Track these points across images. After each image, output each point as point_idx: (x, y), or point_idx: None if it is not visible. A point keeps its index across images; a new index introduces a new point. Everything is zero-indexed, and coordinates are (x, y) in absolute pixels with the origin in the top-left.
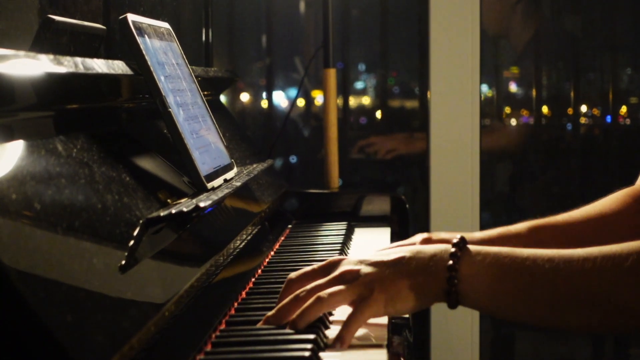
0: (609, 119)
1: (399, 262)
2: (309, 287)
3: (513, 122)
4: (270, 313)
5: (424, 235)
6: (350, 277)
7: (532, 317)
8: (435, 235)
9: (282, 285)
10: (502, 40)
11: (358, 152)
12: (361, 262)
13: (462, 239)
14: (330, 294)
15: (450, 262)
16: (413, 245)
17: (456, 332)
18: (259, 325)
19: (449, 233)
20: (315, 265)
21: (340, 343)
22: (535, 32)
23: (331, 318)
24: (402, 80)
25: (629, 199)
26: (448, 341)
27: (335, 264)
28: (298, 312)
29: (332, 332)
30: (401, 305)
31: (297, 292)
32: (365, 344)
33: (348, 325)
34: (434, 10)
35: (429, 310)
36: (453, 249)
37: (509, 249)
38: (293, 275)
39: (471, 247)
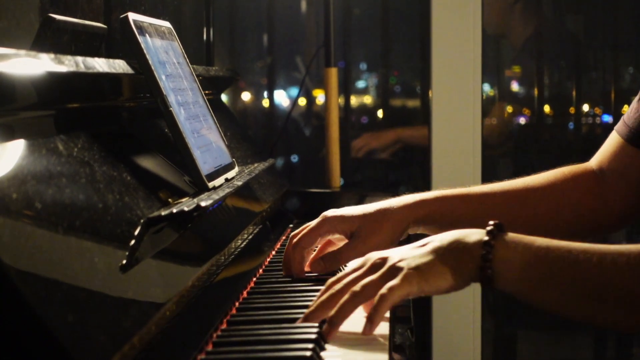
0: (605, 117)
1: (429, 244)
2: (344, 281)
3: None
4: (308, 310)
5: (332, 210)
6: (381, 264)
7: (559, 306)
8: (344, 209)
9: (281, 286)
10: (503, 39)
11: (356, 152)
12: (392, 250)
13: (501, 222)
14: (363, 286)
15: (486, 238)
16: (445, 232)
17: (458, 331)
18: (298, 322)
19: (358, 207)
20: (354, 266)
21: (369, 324)
22: (535, 31)
23: None
24: (404, 79)
25: (568, 175)
26: (450, 341)
27: (369, 259)
28: (335, 308)
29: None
30: (435, 282)
31: (334, 287)
32: (367, 343)
33: (377, 307)
34: (435, 9)
35: (431, 310)
36: (489, 228)
37: (546, 239)
38: (333, 278)
39: (510, 233)
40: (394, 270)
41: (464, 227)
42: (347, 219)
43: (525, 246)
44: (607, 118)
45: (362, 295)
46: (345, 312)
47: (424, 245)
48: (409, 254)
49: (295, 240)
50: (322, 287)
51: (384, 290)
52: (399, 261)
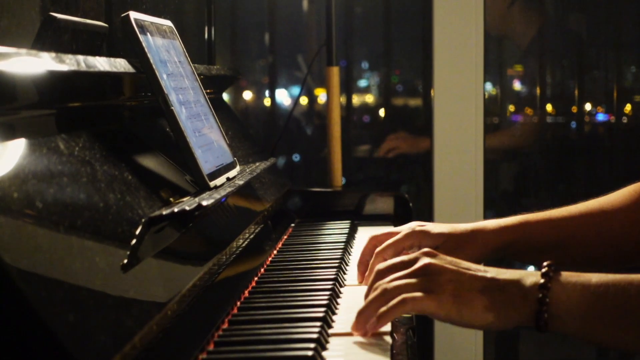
0: (600, 117)
1: (486, 274)
2: (396, 283)
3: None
4: (362, 307)
5: (417, 223)
6: (430, 271)
7: (624, 342)
8: (431, 225)
9: (283, 285)
10: (507, 40)
11: (385, 153)
12: (448, 261)
13: (554, 263)
14: (412, 298)
15: (542, 281)
16: (503, 269)
17: (460, 331)
18: (352, 327)
19: (445, 225)
20: (404, 257)
21: (377, 320)
22: (538, 30)
23: (334, 317)
24: (406, 78)
25: (635, 194)
26: (451, 340)
27: (424, 254)
28: (383, 309)
29: (335, 330)
30: (469, 317)
31: (385, 285)
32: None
33: (393, 307)
34: (437, 8)
35: None
36: (544, 270)
37: (600, 274)
38: (381, 266)
39: (565, 273)
40: (436, 284)
41: (549, 251)
42: (433, 236)
43: (583, 286)
44: (603, 117)
45: (412, 305)
46: (392, 315)
47: (482, 276)
48: (461, 276)
49: (379, 250)
50: (325, 289)
51: (409, 295)
52: (447, 280)
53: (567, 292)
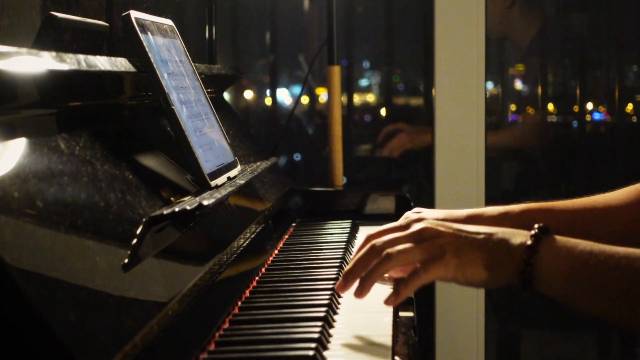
0: (596, 115)
1: (480, 233)
2: (385, 238)
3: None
4: (347, 267)
5: (415, 210)
6: (427, 235)
7: (602, 310)
8: (427, 211)
9: (284, 285)
10: (507, 41)
11: (390, 152)
12: (442, 224)
13: (545, 225)
14: (399, 251)
15: (530, 242)
16: (497, 227)
17: (461, 331)
18: (337, 284)
19: (442, 210)
20: (397, 222)
21: (394, 296)
22: (538, 30)
23: (335, 317)
24: (407, 78)
25: (638, 193)
26: (453, 340)
27: (416, 221)
28: (368, 268)
29: (337, 330)
30: (471, 275)
31: (373, 241)
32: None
33: (408, 281)
34: (439, 7)
35: (434, 309)
36: (535, 231)
37: (588, 242)
38: (372, 231)
39: (556, 236)
40: (437, 248)
41: None
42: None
43: (568, 251)
44: (599, 116)
45: (396, 259)
46: (377, 273)
47: (475, 233)
48: (456, 237)
49: (371, 234)
50: (326, 288)
51: (422, 268)
52: (445, 242)
53: (553, 256)
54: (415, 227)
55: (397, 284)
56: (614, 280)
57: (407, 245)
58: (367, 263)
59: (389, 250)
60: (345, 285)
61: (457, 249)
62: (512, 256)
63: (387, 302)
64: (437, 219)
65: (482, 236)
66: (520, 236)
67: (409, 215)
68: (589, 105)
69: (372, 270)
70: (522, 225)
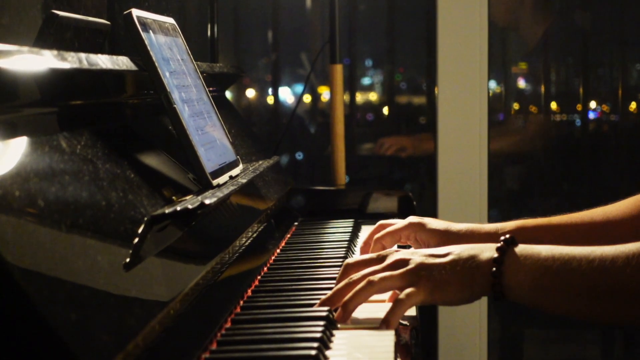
0: (590, 115)
1: (449, 255)
2: (363, 272)
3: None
4: (325, 296)
5: (416, 217)
6: (401, 264)
7: (570, 311)
8: (428, 219)
9: (286, 284)
10: (511, 36)
11: (385, 150)
12: (414, 252)
13: (511, 236)
14: (381, 278)
15: (496, 255)
16: (465, 245)
17: (464, 331)
18: (316, 307)
19: (442, 221)
20: (373, 254)
21: (386, 325)
22: (546, 28)
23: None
24: (410, 76)
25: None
26: (456, 340)
27: (391, 254)
28: (350, 294)
29: (339, 329)
30: (447, 295)
31: (352, 276)
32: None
33: (394, 309)
34: (441, 5)
35: (437, 309)
36: (500, 244)
37: (550, 247)
38: (350, 260)
39: (520, 245)
40: (413, 275)
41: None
42: (428, 230)
43: (532, 259)
44: (593, 115)
45: (378, 286)
46: (359, 299)
47: (444, 255)
48: (429, 262)
49: (377, 236)
50: (328, 288)
51: (402, 296)
52: (419, 268)
53: (518, 265)
54: (390, 259)
55: (386, 315)
56: (575, 281)
57: (387, 273)
58: (346, 292)
59: (371, 277)
60: (328, 305)
61: (429, 273)
62: (482, 271)
63: (380, 329)
64: (416, 251)
65: (451, 257)
66: (488, 250)
67: (411, 219)
68: (593, 104)
69: (356, 296)
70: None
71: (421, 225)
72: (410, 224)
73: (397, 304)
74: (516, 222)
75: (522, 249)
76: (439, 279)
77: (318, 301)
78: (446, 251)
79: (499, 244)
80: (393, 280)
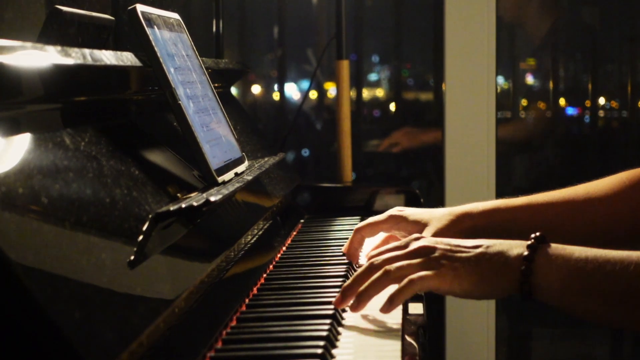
0: (569, 110)
1: (477, 248)
2: (384, 256)
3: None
4: (346, 283)
5: (397, 208)
6: (424, 252)
7: (601, 316)
8: (409, 210)
9: (292, 282)
10: (519, 31)
11: (390, 147)
12: (438, 242)
13: (542, 235)
14: (398, 267)
15: (527, 252)
16: (493, 240)
17: (472, 330)
18: (336, 299)
19: (423, 210)
20: (396, 242)
21: (388, 304)
22: (554, 22)
23: (344, 314)
24: (417, 72)
25: (627, 182)
26: (463, 339)
27: (414, 240)
28: (366, 284)
29: (345, 328)
30: (468, 287)
31: (372, 260)
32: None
33: (402, 288)
34: (449, 0)
35: (444, 308)
36: (531, 242)
37: (583, 248)
38: (373, 252)
39: (552, 245)
40: (434, 262)
41: (526, 237)
42: (410, 221)
43: (565, 259)
44: (572, 111)
45: (394, 275)
46: (375, 288)
47: (472, 247)
48: (454, 252)
49: (357, 227)
50: (334, 286)
51: (414, 275)
52: (442, 256)
53: (549, 265)
54: (414, 245)
55: (393, 292)
56: (609, 285)
57: (405, 262)
58: (365, 279)
59: (388, 267)
60: (343, 301)
61: (454, 261)
62: (510, 268)
63: (382, 310)
64: (437, 234)
65: (479, 250)
66: (517, 247)
67: (392, 212)
68: (602, 100)
69: (370, 286)
70: (496, 222)
71: (402, 218)
72: (391, 217)
73: (407, 284)
74: (494, 202)
75: (554, 248)
76: (460, 270)
77: (324, 299)
78: (475, 244)
79: (529, 242)
80: (411, 268)
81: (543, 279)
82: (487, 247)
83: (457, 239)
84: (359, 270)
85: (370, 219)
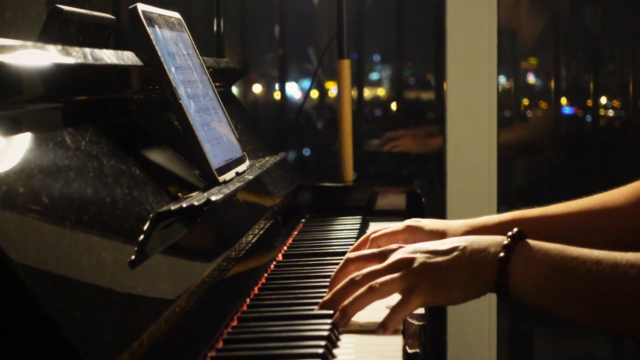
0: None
1: (453, 251)
2: (364, 271)
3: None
4: (326, 297)
5: (414, 219)
6: (403, 265)
7: (576, 316)
8: (425, 221)
9: (293, 282)
10: (518, 31)
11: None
12: (416, 250)
13: (519, 231)
14: (382, 284)
15: (502, 254)
16: (470, 236)
17: (473, 330)
18: (316, 310)
19: (440, 221)
20: (374, 249)
21: (382, 329)
22: (546, 24)
23: None
24: (418, 72)
25: (638, 192)
26: (465, 339)
27: (392, 251)
28: (350, 299)
29: (345, 328)
30: (449, 296)
31: (353, 275)
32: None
33: (393, 313)
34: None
35: (445, 308)
36: (507, 241)
37: (561, 247)
38: (351, 255)
39: (528, 241)
40: (415, 277)
41: None
42: (426, 232)
43: (541, 259)
44: (569, 110)
45: (380, 292)
46: (360, 304)
47: (448, 251)
48: (431, 262)
49: (374, 236)
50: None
51: (402, 300)
52: (421, 266)
53: (525, 265)
54: (392, 257)
55: (384, 319)
56: (585, 287)
57: (387, 277)
58: (346, 295)
59: (372, 283)
60: (327, 308)
61: (431, 275)
62: (486, 268)
63: (377, 333)
64: (417, 248)
65: (455, 253)
66: (493, 246)
67: (409, 222)
68: (603, 99)
69: (357, 301)
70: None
71: (419, 228)
72: (408, 227)
73: (397, 308)
74: (512, 214)
75: (530, 246)
76: (441, 281)
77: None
78: (450, 246)
79: (505, 241)
80: (395, 284)
81: (519, 279)
82: (463, 248)
83: (435, 241)
84: (340, 284)
85: (387, 229)
